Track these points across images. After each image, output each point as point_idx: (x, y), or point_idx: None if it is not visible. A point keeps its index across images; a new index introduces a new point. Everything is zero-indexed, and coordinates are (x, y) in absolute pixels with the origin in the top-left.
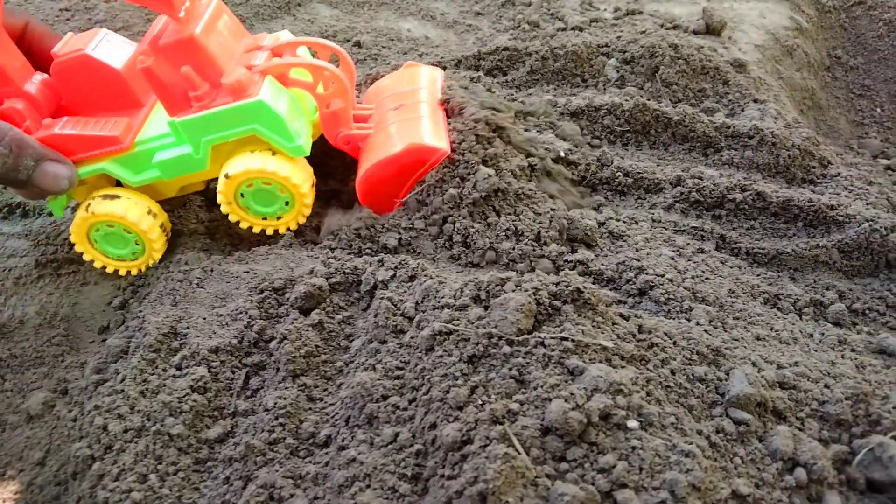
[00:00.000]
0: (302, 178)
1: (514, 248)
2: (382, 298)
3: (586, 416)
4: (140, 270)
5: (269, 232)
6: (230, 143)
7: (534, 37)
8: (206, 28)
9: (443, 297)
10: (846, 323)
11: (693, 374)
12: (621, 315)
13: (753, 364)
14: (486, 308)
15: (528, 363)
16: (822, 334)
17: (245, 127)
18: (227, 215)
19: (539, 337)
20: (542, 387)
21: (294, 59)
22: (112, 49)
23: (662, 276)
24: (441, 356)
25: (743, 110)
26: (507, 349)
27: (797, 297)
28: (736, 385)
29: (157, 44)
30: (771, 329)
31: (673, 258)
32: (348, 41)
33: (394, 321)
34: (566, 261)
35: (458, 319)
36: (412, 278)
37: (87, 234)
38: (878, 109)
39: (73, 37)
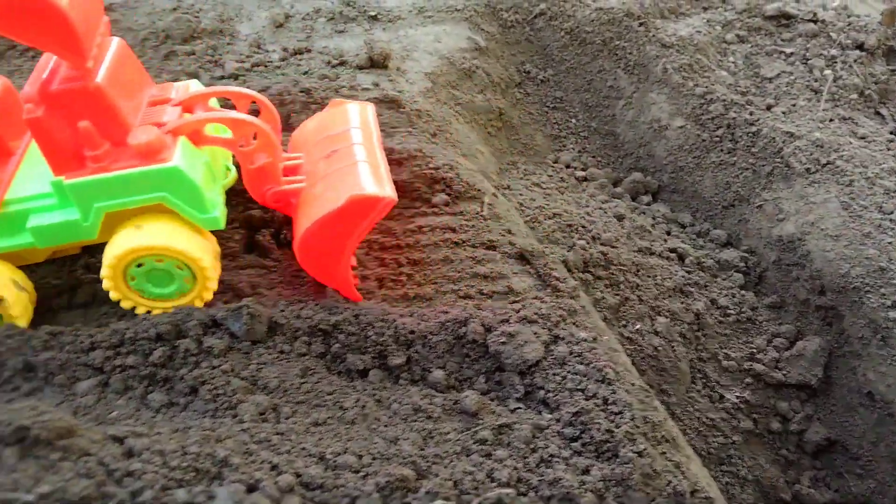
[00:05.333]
0: (203, 251)
1: (53, 358)
2: None
3: None
4: None
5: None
6: (127, 211)
7: None
8: (111, 75)
9: None
10: (444, 384)
11: (174, 502)
12: (114, 437)
13: (274, 468)
14: None
15: None
16: (400, 403)
17: (152, 195)
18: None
19: None
20: None
21: (211, 114)
22: None
23: (217, 367)
24: None
25: None
26: None
27: (394, 363)
28: None
29: (49, 90)
30: (340, 408)
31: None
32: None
33: None
34: (115, 366)
35: None
36: None
37: None
38: (573, 120)
39: None
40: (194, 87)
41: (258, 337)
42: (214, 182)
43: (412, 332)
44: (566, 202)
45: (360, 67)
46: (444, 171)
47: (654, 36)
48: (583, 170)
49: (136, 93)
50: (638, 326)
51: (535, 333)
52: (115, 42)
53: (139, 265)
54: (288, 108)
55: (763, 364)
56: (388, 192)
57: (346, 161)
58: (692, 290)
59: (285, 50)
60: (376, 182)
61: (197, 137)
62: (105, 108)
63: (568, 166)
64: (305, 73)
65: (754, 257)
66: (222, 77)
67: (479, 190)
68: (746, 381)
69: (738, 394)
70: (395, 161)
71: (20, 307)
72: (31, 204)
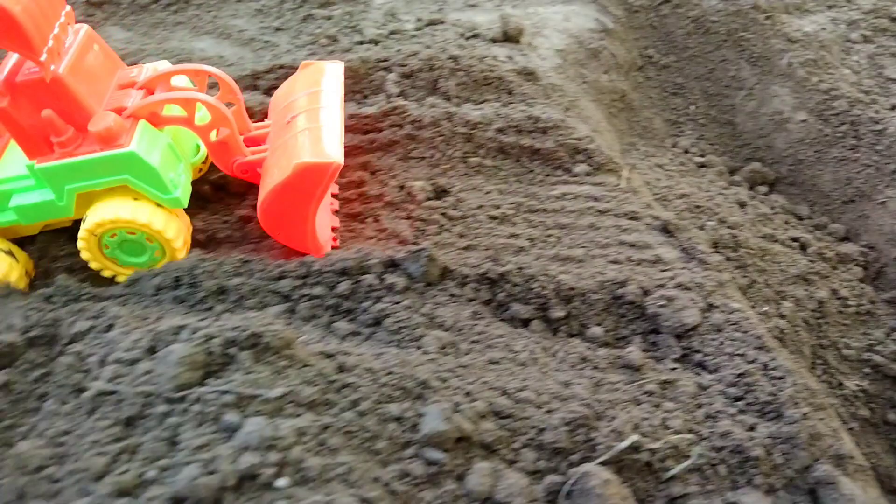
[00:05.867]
0: (174, 230)
1: (244, 283)
2: (69, 354)
3: (222, 481)
4: None
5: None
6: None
7: (331, 52)
8: (73, 65)
9: (117, 351)
10: (602, 340)
11: (388, 414)
12: (324, 354)
13: (468, 394)
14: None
15: (183, 422)
16: (567, 352)
17: (115, 177)
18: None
19: (198, 392)
20: (188, 449)
21: (161, 96)
22: None
23: (399, 303)
24: (99, 419)
25: None
26: (163, 408)
27: (554, 316)
28: (429, 423)
29: (14, 81)
30: (509, 351)
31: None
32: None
33: (75, 379)
34: (302, 294)
35: (123, 376)
36: (110, 328)
37: None
38: (692, 107)
39: None
40: (162, 67)
41: (432, 280)
42: (178, 162)
43: (572, 288)
44: (689, 185)
45: (494, 40)
46: (586, 143)
47: (779, 30)
48: (701, 156)
49: (101, 78)
50: (765, 309)
51: (692, 300)
52: (82, 30)
53: (112, 235)
54: (436, 73)
55: (882, 356)
56: (334, 156)
57: (299, 127)
58: (815, 278)
59: (419, 20)
60: (323, 148)
61: (155, 119)
62: (66, 97)
63: (686, 151)
64: (442, 42)
65: (873, 253)
66: (361, 42)
67: (616, 163)
68: (865, 370)
69: (856, 382)
70: (540, 129)
71: (15, 275)
72: (14, 185)
